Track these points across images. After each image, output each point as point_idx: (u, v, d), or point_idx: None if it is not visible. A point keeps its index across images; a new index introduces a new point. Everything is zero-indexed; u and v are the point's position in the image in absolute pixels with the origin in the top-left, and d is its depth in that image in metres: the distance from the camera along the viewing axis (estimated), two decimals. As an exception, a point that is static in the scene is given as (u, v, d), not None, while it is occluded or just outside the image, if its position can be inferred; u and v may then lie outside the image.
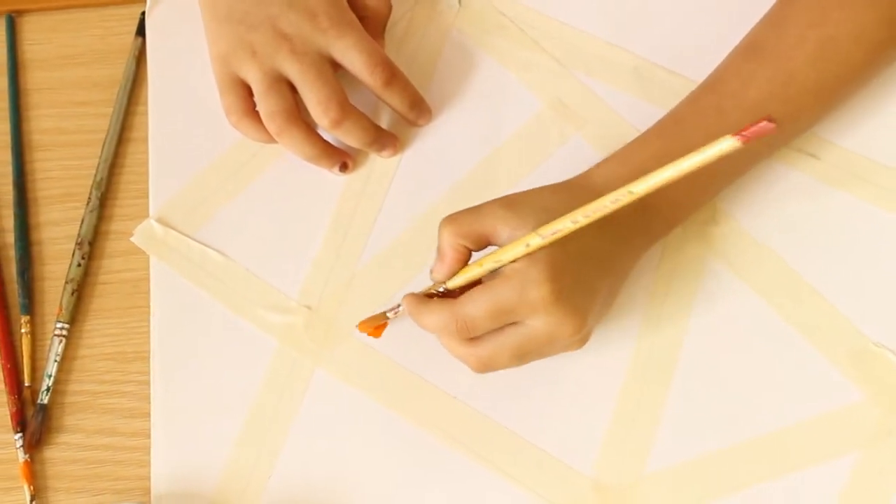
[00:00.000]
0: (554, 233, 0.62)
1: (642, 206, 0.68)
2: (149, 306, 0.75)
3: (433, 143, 0.77)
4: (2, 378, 0.74)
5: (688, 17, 0.79)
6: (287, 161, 0.76)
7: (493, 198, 0.67)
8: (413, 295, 0.67)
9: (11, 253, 0.76)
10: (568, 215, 0.61)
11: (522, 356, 0.66)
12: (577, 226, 0.61)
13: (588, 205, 0.61)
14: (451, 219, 0.66)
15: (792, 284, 0.73)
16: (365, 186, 0.76)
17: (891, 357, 0.71)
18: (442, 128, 0.77)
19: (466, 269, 0.66)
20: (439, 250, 0.66)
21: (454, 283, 0.66)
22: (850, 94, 0.74)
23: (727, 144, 0.54)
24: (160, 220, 0.76)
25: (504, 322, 0.65)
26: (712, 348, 0.72)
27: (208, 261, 0.75)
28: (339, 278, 0.74)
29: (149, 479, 0.71)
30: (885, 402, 0.70)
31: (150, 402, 0.73)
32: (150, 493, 0.71)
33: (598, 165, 0.70)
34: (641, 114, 0.76)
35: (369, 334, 0.72)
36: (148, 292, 0.75)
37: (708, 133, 0.69)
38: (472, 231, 0.65)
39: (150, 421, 0.72)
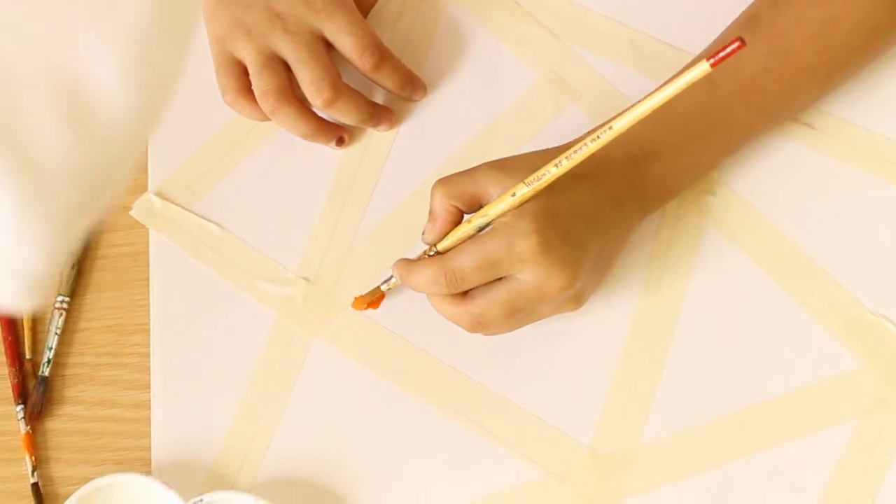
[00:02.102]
0: (539, 179, 0.63)
1: (634, 172, 0.68)
2: (148, 279, 0.75)
3: (430, 116, 0.77)
4: (3, 350, 0.74)
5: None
6: (284, 135, 0.77)
7: None
8: (402, 259, 0.68)
9: (12, 228, 0.77)
10: (552, 161, 0.62)
11: (514, 312, 0.66)
12: (562, 169, 0.62)
13: (571, 147, 0.61)
14: (443, 181, 0.67)
15: (789, 254, 0.73)
16: (362, 159, 0.76)
17: (888, 325, 0.71)
18: (438, 102, 0.78)
19: (456, 229, 0.66)
20: (431, 212, 0.67)
21: (445, 244, 0.67)
22: (849, 76, 0.74)
23: (700, 70, 0.56)
24: (159, 194, 0.76)
25: (493, 275, 0.65)
26: (709, 317, 0.72)
27: (207, 234, 0.75)
28: (338, 250, 0.75)
29: (149, 450, 0.72)
30: (881, 371, 0.71)
31: (149, 374, 0.73)
32: (150, 463, 0.72)
33: (588, 131, 0.70)
34: (637, 86, 0.76)
35: (367, 307, 0.72)
36: (147, 265, 0.76)
37: (699, 104, 0.69)
38: (463, 192, 0.66)
39: (150, 392, 0.73)
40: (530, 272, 0.64)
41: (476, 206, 0.66)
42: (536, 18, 0.79)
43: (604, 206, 0.67)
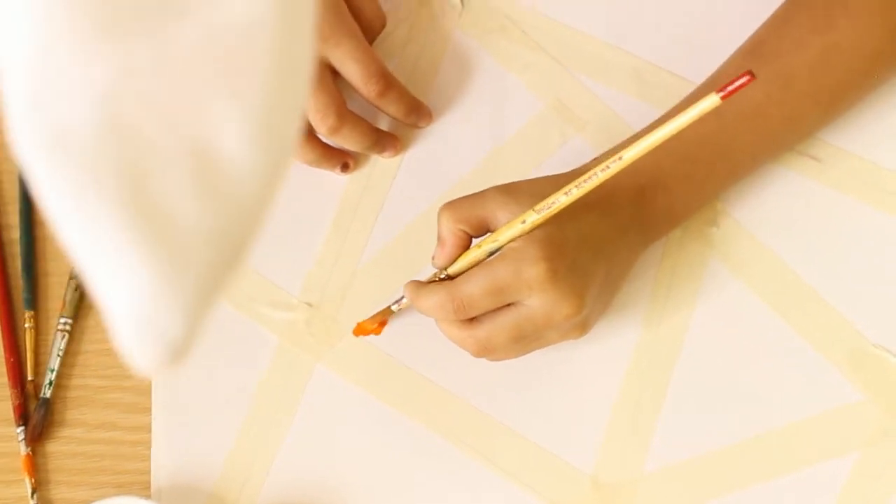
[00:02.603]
0: (549, 206, 0.63)
1: (641, 201, 0.68)
2: (151, 303, 0.75)
3: (435, 143, 0.78)
4: (5, 372, 0.74)
5: (689, 19, 0.79)
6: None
7: None
8: (413, 281, 0.68)
9: (16, 249, 0.77)
10: (562, 189, 0.63)
11: (520, 338, 0.66)
12: (571, 198, 0.63)
13: (580, 175, 0.62)
14: (451, 204, 0.67)
15: (792, 285, 0.73)
16: (366, 185, 0.77)
17: (890, 358, 0.71)
18: (444, 128, 0.78)
19: (466, 253, 0.67)
20: (439, 236, 0.67)
21: (455, 268, 0.67)
22: (853, 102, 0.74)
23: (709, 102, 0.56)
24: (163, 217, 0.76)
25: (501, 301, 0.65)
26: (712, 348, 0.72)
27: (211, 257, 0.75)
28: (341, 276, 0.75)
29: (149, 473, 0.72)
30: (883, 403, 0.71)
31: (151, 397, 0.73)
32: (149, 487, 0.71)
33: (597, 159, 0.70)
34: (642, 115, 0.76)
35: (368, 333, 0.72)
36: (151, 289, 0.75)
37: (705, 134, 0.69)
38: (471, 216, 0.66)
39: (150, 416, 0.73)
40: (538, 299, 0.64)
41: (483, 230, 0.67)
42: (542, 47, 0.79)
43: (610, 235, 0.67)
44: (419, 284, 0.68)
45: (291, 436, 0.72)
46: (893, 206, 0.74)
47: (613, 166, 0.61)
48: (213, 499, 0.70)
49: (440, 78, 0.79)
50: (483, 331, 0.66)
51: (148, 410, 0.73)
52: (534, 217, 0.64)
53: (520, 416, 0.72)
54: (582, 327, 0.67)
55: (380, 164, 0.77)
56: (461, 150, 0.77)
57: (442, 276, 0.68)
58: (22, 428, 0.73)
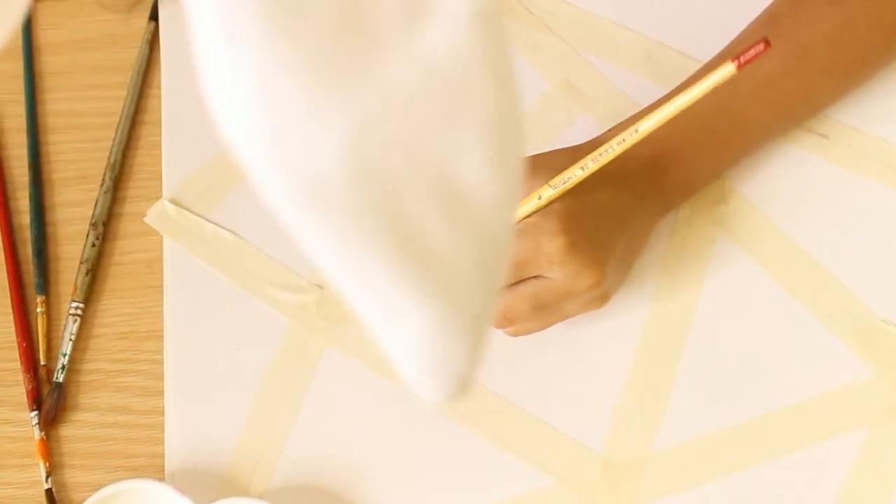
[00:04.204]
0: (565, 182, 0.63)
1: (655, 170, 0.68)
2: (162, 286, 0.76)
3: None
4: (18, 357, 0.74)
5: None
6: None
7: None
8: None
9: (27, 234, 0.77)
10: (577, 163, 0.63)
11: (540, 308, 0.67)
12: (587, 172, 0.63)
13: (595, 149, 0.62)
14: None
15: (801, 262, 0.73)
16: (375, 167, 0.77)
17: (898, 334, 0.71)
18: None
19: None
20: None
21: None
22: (867, 77, 0.74)
23: (725, 71, 0.57)
24: (173, 201, 0.77)
25: (522, 276, 0.66)
26: (721, 326, 0.72)
27: (221, 241, 0.76)
28: (350, 257, 0.75)
29: (162, 456, 0.72)
30: (892, 379, 0.71)
31: (163, 381, 0.74)
32: (163, 470, 0.72)
33: (609, 130, 0.71)
34: (650, 95, 0.76)
35: None
36: (161, 272, 0.76)
37: (719, 102, 0.69)
38: None
39: (163, 399, 0.73)
40: (558, 272, 0.65)
41: None
42: (549, 26, 0.79)
43: (627, 205, 0.68)
44: None
45: (302, 417, 0.72)
46: (899, 182, 0.74)
47: (629, 139, 0.62)
48: (225, 481, 0.71)
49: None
50: (503, 300, 0.67)
51: (160, 394, 0.73)
52: (549, 192, 0.64)
53: (529, 396, 0.72)
54: (603, 298, 0.68)
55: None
56: (469, 130, 0.77)
57: None
58: (35, 412, 0.73)
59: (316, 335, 0.74)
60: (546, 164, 0.67)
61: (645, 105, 0.75)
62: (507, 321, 0.68)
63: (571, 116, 0.77)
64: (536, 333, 0.71)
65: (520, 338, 0.71)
